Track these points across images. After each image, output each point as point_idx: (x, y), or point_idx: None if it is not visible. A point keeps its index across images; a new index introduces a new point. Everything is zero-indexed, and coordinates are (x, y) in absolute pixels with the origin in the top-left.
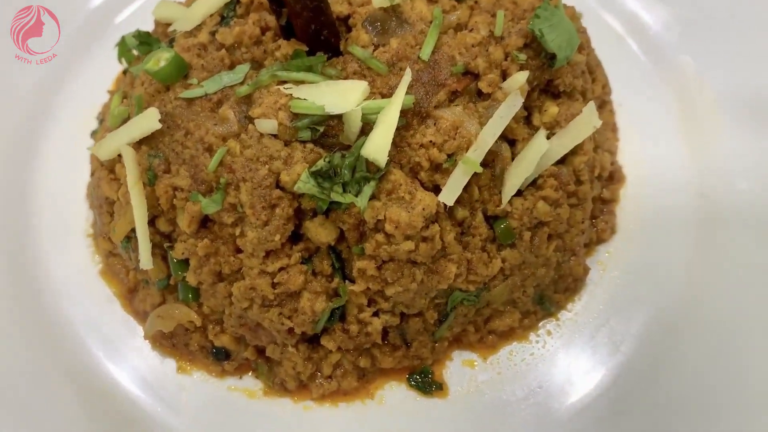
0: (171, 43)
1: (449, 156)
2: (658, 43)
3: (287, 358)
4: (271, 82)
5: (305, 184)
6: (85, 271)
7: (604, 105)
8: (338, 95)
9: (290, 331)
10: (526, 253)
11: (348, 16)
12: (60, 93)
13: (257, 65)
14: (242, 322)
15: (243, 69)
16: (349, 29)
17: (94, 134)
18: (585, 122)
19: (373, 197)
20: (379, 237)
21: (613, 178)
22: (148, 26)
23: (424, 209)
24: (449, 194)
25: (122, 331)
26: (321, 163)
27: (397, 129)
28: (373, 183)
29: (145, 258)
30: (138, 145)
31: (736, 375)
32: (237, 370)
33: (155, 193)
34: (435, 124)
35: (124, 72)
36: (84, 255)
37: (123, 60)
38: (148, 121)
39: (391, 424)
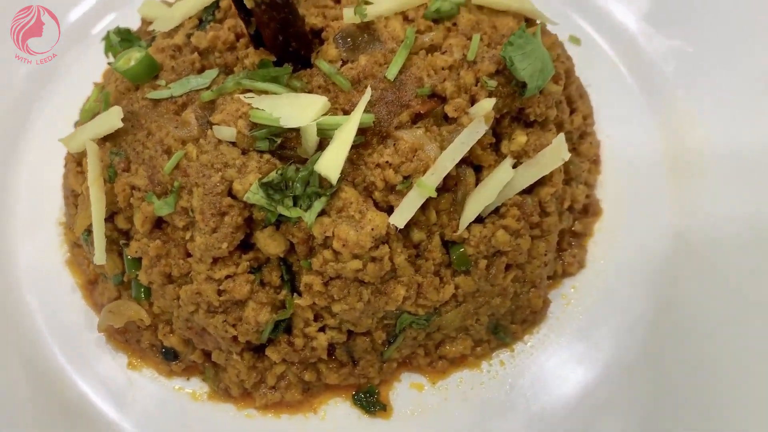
0: (151, 41)
1: (405, 178)
2: (652, 74)
3: (232, 365)
4: (235, 89)
5: (254, 195)
6: (52, 259)
7: (584, 136)
8: (296, 108)
9: (234, 339)
10: (480, 281)
11: (321, 30)
12: (52, 84)
13: (228, 71)
14: (189, 326)
15: (211, 74)
16: (321, 42)
17: (76, 125)
18: (553, 154)
19: (324, 213)
20: (327, 253)
21: (587, 211)
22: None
23: (373, 229)
24: (401, 216)
25: (80, 322)
26: (273, 175)
27: (355, 147)
28: (323, 199)
29: (99, 253)
30: (103, 141)
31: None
32: (185, 372)
33: (114, 191)
34: (394, 144)
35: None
36: (54, 243)
37: (110, 54)
38: (111, 119)
39: None
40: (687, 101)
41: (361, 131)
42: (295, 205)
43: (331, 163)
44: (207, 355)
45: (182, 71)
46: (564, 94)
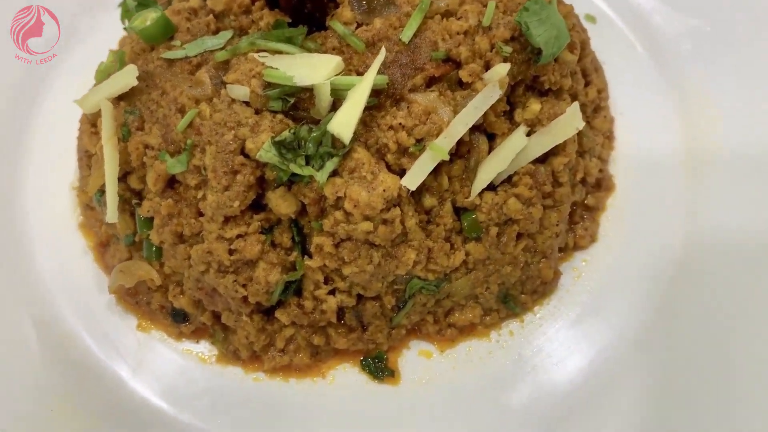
0: (168, 5)
1: (418, 141)
2: (668, 53)
3: (241, 327)
4: (249, 49)
5: (267, 153)
6: (65, 223)
7: (598, 110)
8: (310, 68)
9: (244, 299)
10: (491, 249)
11: None
12: (69, 50)
13: (243, 33)
14: (200, 286)
15: (225, 35)
16: (337, 5)
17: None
18: (567, 123)
19: (336, 174)
20: (338, 214)
21: (600, 185)
22: None
23: (385, 191)
24: (412, 179)
25: (91, 284)
26: (286, 134)
27: (369, 109)
28: (336, 159)
29: (111, 211)
30: (117, 100)
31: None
32: (194, 334)
33: (128, 150)
34: (408, 107)
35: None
36: (67, 207)
37: (126, 21)
38: (126, 77)
39: (337, 404)
40: (703, 81)
41: (375, 93)
42: (307, 164)
43: (344, 123)
44: (216, 317)
45: (197, 32)
46: (579, 66)
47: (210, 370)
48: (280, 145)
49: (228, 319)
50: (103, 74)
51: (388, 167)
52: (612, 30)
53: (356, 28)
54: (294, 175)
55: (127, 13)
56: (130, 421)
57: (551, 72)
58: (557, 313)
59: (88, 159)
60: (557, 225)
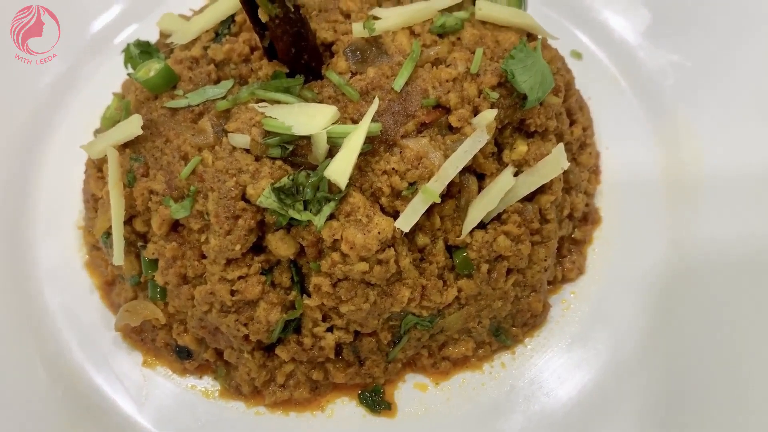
0: (170, 53)
1: (411, 184)
2: (651, 87)
3: (243, 364)
4: (249, 99)
5: (267, 199)
6: (72, 262)
7: (584, 147)
8: (307, 117)
9: (246, 338)
10: (482, 285)
11: (332, 43)
12: (72, 92)
13: (243, 82)
14: (203, 325)
15: (227, 85)
16: (332, 55)
17: (95, 133)
18: (553, 163)
19: (333, 217)
20: (335, 256)
21: (587, 219)
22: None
23: (380, 233)
24: (406, 221)
25: (98, 321)
26: (285, 180)
27: (363, 154)
28: (332, 203)
29: (118, 254)
30: (123, 147)
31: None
32: (197, 370)
33: (133, 195)
34: (400, 152)
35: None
36: (73, 246)
37: (129, 65)
38: (132, 126)
39: None
40: (685, 115)
41: (369, 140)
42: (305, 209)
43: (340, 169)
44: (219, 353)
45: (199, 82)
46: (564, 106)
47: (213, 405)
48: (279, 191)
49: (230, 356)
50: (109, 121)
51: (383, 210)
52: (597, 66)
53: (351, 77)
54: (293, 218)
55: (130, 60)
56: None
57: (537, 115)
58: (547, 344)
59: (94, 202)
60: (545, 260)
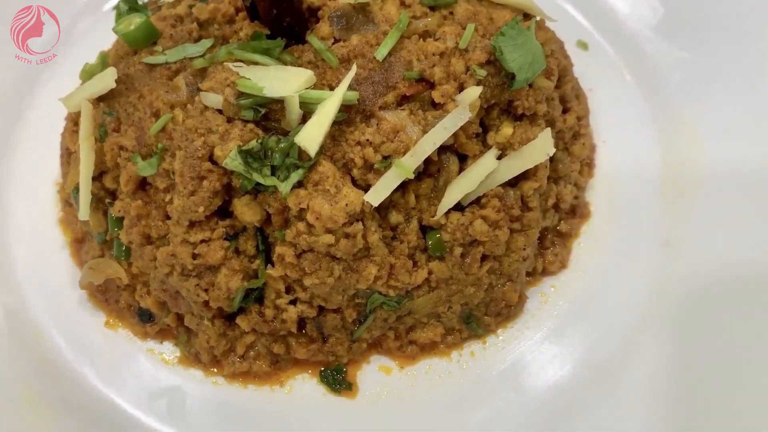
0: (158, 11)
1: (385, 158)
2: (656, 83)
3: (203, 331)
4: (227, 59)
5: (233, 161)
6: (46, 217)
7: (577, 137)
8: (281, 80)
9: (206, 304)
10: (454, 269)
11: (318, 8)
12: (64, 52)
13: (225, 42)
14: (164, 288)
15: (206, 44)
16: (318, 21)
17: None
18: (538, 148)
19: (301, 185)
20: (301, 225)
21: (575, 212)
22: None
23: (347, 205)
24: (376, 195)
25: (65, 279)
26: (253, 144)
27: (338, 123)
28: (301, 171)
29: (84, 209)
30: (98, 101)
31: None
32: (158, 334)
33: (104, 150)
34: (377, 124)
35: None
36: (50, 202)
37: None
38: (106, 79)
39: (293, 413)
40: (689, 114)
41: (346, 109)
42: (273, 175)
43: (310, 136)
44: (180, 319)
45: (180, 39)
46: (558, 93)
47: (171, 371)
48: (246, 154)
49: (190, 322)
50: (87, 75)
51: (354, 182)
52: (603, 57)
53: (333, 43)
54: (259, 184)
55: (119, 17)
56: (86, 415)
57: (525, 97)
58: (521, 336)
59: (68, 156)
60: (524, 249)
